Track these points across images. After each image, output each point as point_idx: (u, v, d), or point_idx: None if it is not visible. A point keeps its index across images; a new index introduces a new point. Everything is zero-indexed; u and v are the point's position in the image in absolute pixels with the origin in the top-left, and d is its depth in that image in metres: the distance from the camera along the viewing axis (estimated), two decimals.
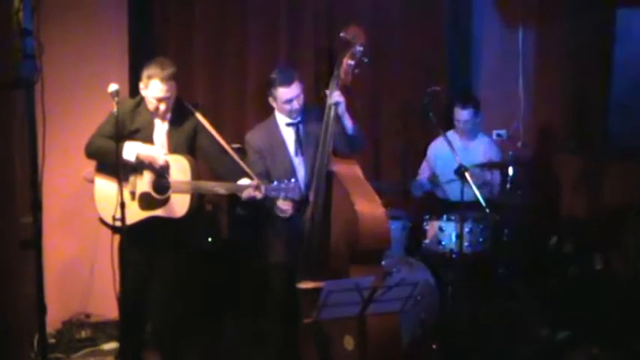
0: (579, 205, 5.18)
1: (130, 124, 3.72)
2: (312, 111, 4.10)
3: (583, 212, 5.15)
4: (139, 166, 3.65)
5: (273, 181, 3.72)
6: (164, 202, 3.68)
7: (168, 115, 3.80)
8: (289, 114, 4.03)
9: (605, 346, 4.31)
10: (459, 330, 4.43)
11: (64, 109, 4.28)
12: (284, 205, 3.83)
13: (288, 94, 3.97)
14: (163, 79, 3.66)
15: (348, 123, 3.95)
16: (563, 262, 4.97)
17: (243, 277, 4.76)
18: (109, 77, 3.63)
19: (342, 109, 3.90)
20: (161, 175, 3.67)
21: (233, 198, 4.77)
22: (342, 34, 4.02)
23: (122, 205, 3.43)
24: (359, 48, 3.94)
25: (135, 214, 3.63)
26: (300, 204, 3.93)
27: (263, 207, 3.93)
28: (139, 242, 3.61)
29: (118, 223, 3.51)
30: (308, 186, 3.99)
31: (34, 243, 2.88)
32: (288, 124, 4.07)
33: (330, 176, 3.86)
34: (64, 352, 4.58)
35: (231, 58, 5.08)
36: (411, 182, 4.94)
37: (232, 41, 5.08)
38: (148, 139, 3.74)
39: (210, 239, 4.80)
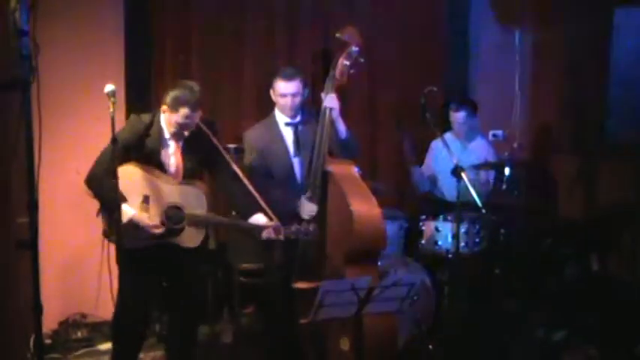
0: (576, 206, 5.19)
1: (140, 148, 3.55)
2: (308, 112, 4.11)
3: (579, 212, 5.15)
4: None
5: (289, 225, 3.68)
6: (178, 231, 3.58)
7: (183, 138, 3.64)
8: (282, 109, 4.03)
9: (601, 347, 4.31)
10: (456, 330, 4.44)
11: (60, 109, 4.28)
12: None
13: (284, 89, 3.97)
14: (195, 107, 3.50)
15: (342, 127, 3.96)
16: (560, 263, 4.97)
17: (241, 277, 4.76)
18: (105, 78, 3.60)
19: (335, 113, 3.91)
20: (176, 207, 3.54)
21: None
22: (337, 35, 4.03)
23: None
24: (355, 48, 3.95)
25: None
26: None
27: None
28: (147, 262, 3.55)
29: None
30: (305, 186, 3.99)
31: (30, 243, 2.87)
32: (287, 124, 4.07)
33: (325, 176, 3.86)
34: (60, 353, 4.57)
35: (228, 59, 5.08)
36: (415, 168, 4.87)
37: (229, 42, 5.08)
38: (157, 163, 3.60)
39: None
